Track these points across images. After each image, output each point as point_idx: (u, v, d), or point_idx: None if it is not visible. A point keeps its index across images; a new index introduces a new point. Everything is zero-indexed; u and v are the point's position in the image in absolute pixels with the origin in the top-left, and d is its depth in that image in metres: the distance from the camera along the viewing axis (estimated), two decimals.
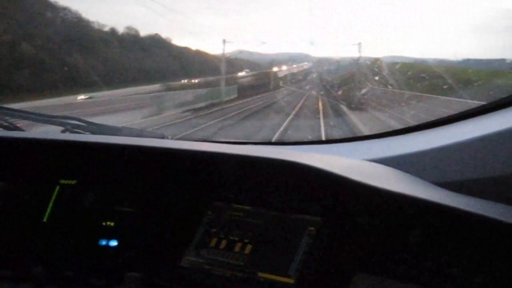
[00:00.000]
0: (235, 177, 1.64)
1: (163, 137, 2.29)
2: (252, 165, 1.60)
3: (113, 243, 1.67)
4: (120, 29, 14.73)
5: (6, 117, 2.24)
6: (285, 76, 24.89)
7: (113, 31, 14.59)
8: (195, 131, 9.92)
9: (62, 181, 1.80)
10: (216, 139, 2.26)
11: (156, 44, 15.97)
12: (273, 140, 7.91)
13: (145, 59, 15.19)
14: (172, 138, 2.31)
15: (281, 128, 10.64)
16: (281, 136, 9.73)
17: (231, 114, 15.01)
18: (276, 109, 16.53)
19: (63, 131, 2.23)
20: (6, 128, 2.19)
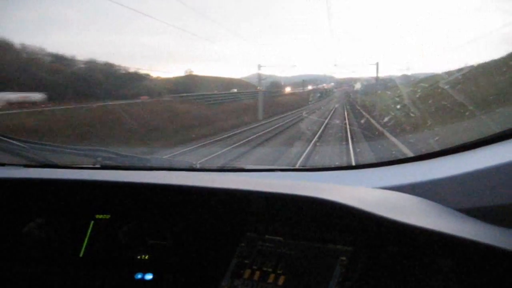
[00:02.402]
0: (266, 211, 1.67)
1: (191, 166, 2.33)
2: (281, 200, 1.62)
3: (149, 276, 1.70)
4: None
5: (39, 152, 2.31)
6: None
7: None
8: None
9: (98, 216, 1.85)
10: (245, 166, 2.28)
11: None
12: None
13: None
14: (200, 166, 2.34)
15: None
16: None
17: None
18: None
19: (94, 163, 2.29)
20: (40, 162, 2.25)
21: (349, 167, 2.09)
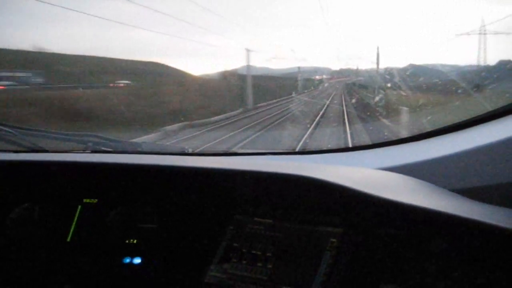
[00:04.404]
0: (255, 191, 1.64)
1: (183, 151, 2.31)
2: (270, 180, 1.60)
3: (137, 260, 1.68)
4: None
5: (28, 137, 2.28)
6: None
7: None
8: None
9: (85, 200, 1.82)
10: (238, 150, 2.25)
11: None
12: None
13: None
14: (192, 151, 2.32)
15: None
16: None
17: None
18: None
19: (84, 149, 2.26)
20: (29, 148, 2.22)
21: (344, 149, 2.06)
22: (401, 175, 1.58)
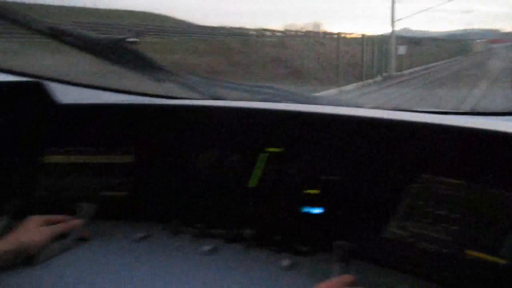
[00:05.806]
0: (446, 149, 1.55)
1: (359, 106, 2.26)
2: (465, 136, 1.50)
3: (316, 210, 1.71)
4: None
5: (210, 87, 2.39)
6: None
7: None
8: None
9: (269, 149, 1.86)
10: (411, 108, 2.14)
11: None
12: None
13: None
14: (368, 107, 2.26)
15: None
16: None
17: None
18: None
19: (262, 100, 2.32)
20: (212, 96, 2.33)
21: None
22: None
